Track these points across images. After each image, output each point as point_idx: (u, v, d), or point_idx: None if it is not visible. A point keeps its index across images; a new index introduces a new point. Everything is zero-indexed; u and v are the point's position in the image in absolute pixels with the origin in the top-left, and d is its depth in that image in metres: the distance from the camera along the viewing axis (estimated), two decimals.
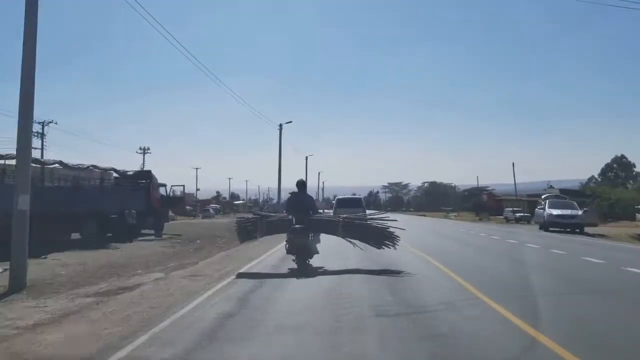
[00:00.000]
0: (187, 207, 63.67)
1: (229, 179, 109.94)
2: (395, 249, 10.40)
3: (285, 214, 10.55)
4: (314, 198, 11.07)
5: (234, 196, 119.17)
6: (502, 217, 49.46)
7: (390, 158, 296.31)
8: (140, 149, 60.91)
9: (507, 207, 52.75)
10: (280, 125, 40.41)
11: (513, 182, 66.11)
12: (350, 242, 10.38)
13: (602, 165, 76.63)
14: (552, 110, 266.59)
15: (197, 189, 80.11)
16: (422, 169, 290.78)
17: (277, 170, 41.50)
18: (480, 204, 72.49)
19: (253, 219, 10.48)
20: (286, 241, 10.14)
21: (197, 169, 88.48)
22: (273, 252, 12.98)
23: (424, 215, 74.84)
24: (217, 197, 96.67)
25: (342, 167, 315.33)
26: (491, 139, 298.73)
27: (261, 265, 11.04)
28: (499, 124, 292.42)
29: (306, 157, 72.66)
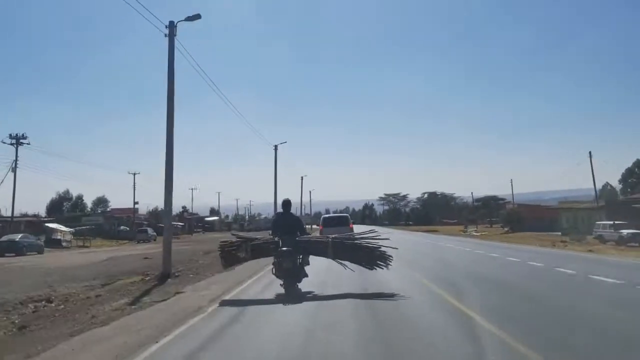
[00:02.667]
0: (122, 227, 59.68)
1: (218, 192, 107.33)
2: (388, 269, 9.88)
3: (271, 237, 10.03)
4: (301, 217, 10.50)
5: (213, 212, 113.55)
6: (558, 232, 39.08)
7: (386, 170, 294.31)
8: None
9: (573, 220, 42.23)
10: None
11: (522, 192, 63.02)
12: (341, 263, 9.86)
13: (611, 171, 73.93)
14: (544, 121, 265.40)
15: (135, 203, 67.51)
16: (420, 181, 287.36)
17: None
18: (516, 216, 59.01)
19: (237, 242, 9.94)
20: (273, 264, 9.66)
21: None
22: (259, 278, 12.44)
23: (434, 231, 63.74)
24: (182, 214, 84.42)
25: (337, 181, 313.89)
26: (489, 150, 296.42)
27: (249, 291, 10.49)
28: (495, 135, 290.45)
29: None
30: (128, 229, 59.91)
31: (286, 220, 10.01)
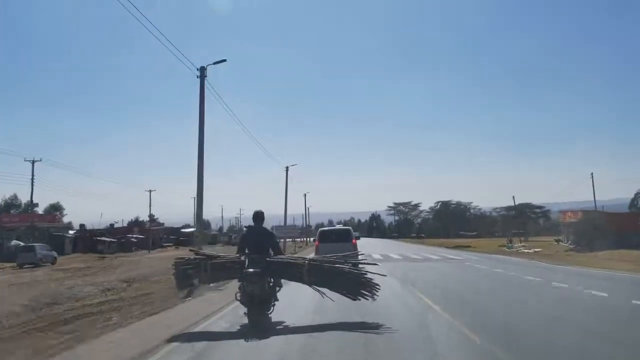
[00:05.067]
0: (15, 242, 42.55)
1: (221, 205, 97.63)
2: (374, 299, 8.33)
3: (237, 255, 8.40)
4: (274, 233, 8.89)
5: (205, 223, 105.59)
6: None
7: (394, 179, 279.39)
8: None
9: None
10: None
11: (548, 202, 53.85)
12: (318, 291, 8.27)
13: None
14: (555, 134, 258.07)
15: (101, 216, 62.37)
16: (430, 191, 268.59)
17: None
18: (594, 227, 39.24)
19: (195, 260, 8.26)
20: (239, 288, 8.02)
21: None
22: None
23: (463, 247, 48.77)
24: (141, 224, 71.48)
25: (341, 191, 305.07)
26: (495, 162, 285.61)
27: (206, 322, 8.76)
28: (512, 145, 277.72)
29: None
30: (21, 243, 40.28)
31: (256, 236, 8.43)
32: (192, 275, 8.11)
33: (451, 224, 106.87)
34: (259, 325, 7.52)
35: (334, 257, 8.38)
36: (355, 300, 8.27)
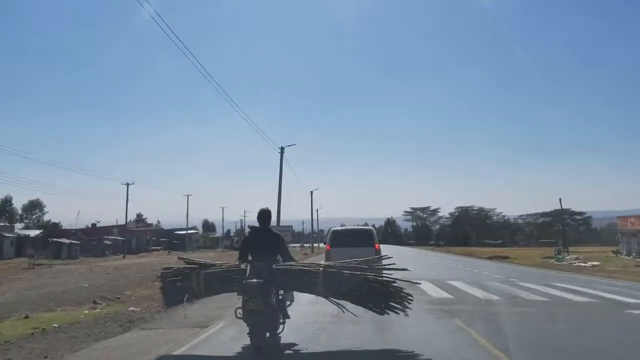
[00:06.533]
0: None
1: (222, 207, 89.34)
2: (407, 314, 6.78)
3: (238, 262, 6.93)
4: (282, 235, 7.36)
5: (207, 225, 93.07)
6: None
7: (410, 185, 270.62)
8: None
9: None
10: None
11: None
12: (337, 304, 6.75)
13: None
14: (578, 139, 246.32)
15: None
16: (448, 197, 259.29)
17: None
18: None
19: (185, 270, 6.81)
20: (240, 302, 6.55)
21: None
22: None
23: (500, 257, 41.49)
24: (123, 227, 62.55)
25: (353, 196, 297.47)
26: (519, 167, 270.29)
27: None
28: (536, 152, 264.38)
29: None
30: None
31: (261, 240, 6.96)
32: (182, 289, 6.64)
33: (472, 231, 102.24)
34: (263, 348, 6.05)
35: (354, 262, 6.86)
36: (382, 314, 6.74)
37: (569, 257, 38.43)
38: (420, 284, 6.69)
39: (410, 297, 6.59)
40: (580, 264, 33.01)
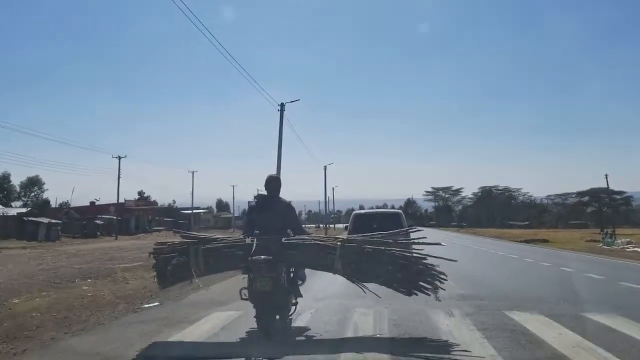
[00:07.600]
0: None
1: (233, 186, 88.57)
2: (438, 297, 5.85)
3: (242, 237, 6.02)
4: (292, 205, 6.34)
5: (221, 204, 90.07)
6: None
7: (431, 164, 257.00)
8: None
9: None
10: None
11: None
12: (358, 284, 5.82)
13: None
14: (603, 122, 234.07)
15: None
16: (471, 176, 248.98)
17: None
18: None
19: (182, 245, 5.92)
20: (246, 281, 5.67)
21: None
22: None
23: (538, 241, 37.32)
24: (121, 205, 56.34)
25: (371, 175, 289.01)
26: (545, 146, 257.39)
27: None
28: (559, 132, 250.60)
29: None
30: None
31: (268, 210, 6.03)
32: (179, 266, 5.75)
33: (496, 211, 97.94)
34: (272, 334, 5.21)
35: (378, 235, 5.90)
36: (410, 295, 5.80)
37: (619, 240, 32.20)
38: (456, 261, 5.66)
39: (443, 277, 5.62)
40: (637, 248, 27.18)
